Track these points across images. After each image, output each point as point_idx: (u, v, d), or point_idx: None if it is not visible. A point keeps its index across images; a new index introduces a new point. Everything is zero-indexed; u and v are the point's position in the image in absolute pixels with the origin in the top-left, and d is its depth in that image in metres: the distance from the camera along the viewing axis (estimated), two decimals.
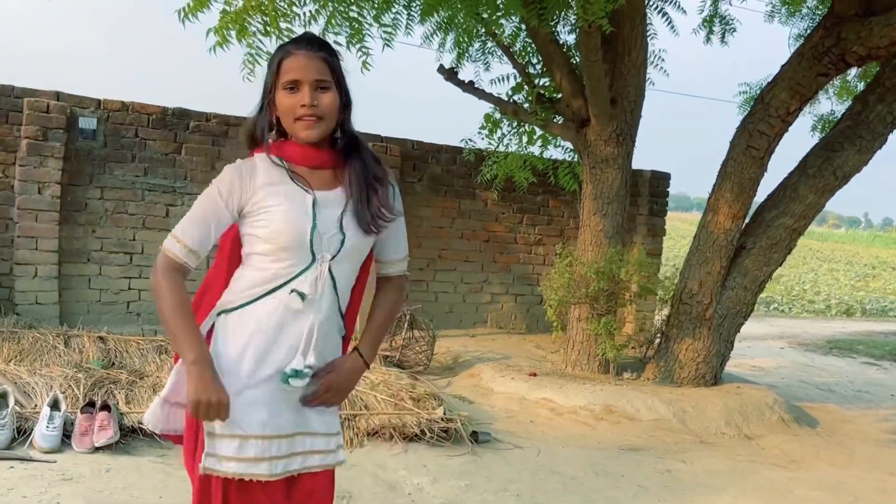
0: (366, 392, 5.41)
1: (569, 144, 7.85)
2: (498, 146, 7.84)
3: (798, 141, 7.57)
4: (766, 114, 6.43)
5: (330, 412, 2.22)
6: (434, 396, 5.55)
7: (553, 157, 8.49)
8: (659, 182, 9.49)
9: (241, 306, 2.09)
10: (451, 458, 4.84)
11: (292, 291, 2.06)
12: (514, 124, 7.72)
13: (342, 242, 2.10)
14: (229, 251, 2.19)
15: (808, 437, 6.24)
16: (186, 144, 7.51)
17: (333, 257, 2.09)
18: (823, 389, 8.48)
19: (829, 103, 10.20)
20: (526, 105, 7.32)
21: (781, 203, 6.72)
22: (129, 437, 4.53)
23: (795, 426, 6.39)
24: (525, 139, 7.85)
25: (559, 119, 7.19)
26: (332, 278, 2.11)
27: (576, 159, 8.15)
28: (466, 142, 7.91)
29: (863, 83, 9.49)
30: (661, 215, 9.52)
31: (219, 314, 2.12)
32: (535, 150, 8.10)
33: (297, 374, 2.06)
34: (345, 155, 2.17)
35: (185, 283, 2.08)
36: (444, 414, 5.21)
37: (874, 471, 5.56)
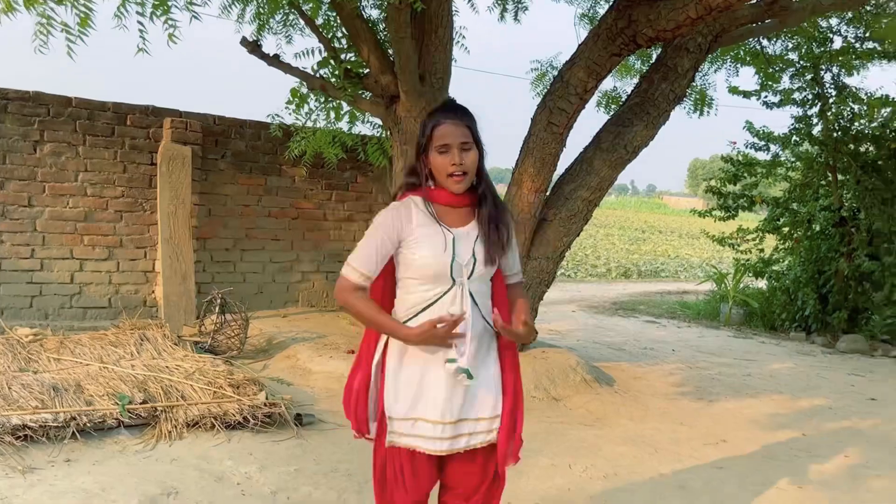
0: (181, 382, 5.12)
1: (378, 120, 7.78)
2: (306, 122, 7.62)
3: (585, 117, 7.89)
4: (566, 91, 6.65)
5: (492, 398, 2.72)
6: (253, 381, 5.35)
7: (362, 133, 8.40)
8: None
9: (406, 321, 2.63)
10: (277, 444, 4.70)
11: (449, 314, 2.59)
12: (322, 99, 7.52)
13: (474, 266, 2.65)
14: (382, 279, 2.71)
15: (608, 395, 6.61)
16: None
17: (469, 277, 2.64)
18: (615, 349, 9.03)
19: (612, 81, 10.83)
20: (333, 80, 7.15)
21: (579, 176, 6.99)
22: None
23: (596, 385, 6.74)
24: (333, 115, 7.68)
25: (367, 95, 7.10)
26: (471, 295, 2.65)
27: (385, 135, 8.11)
28: (273, 117, 7.63)
29: (640, 61, 10.11)
30: None
31: None
32: (343, 125, 7.96)
33: (464, 370, 2.60)
34: (480, 195, 2.71)
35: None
36: (267, 398, 5.04)
37: (667, 422, 6.00)
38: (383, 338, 2.70)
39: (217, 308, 6.88)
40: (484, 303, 2.71)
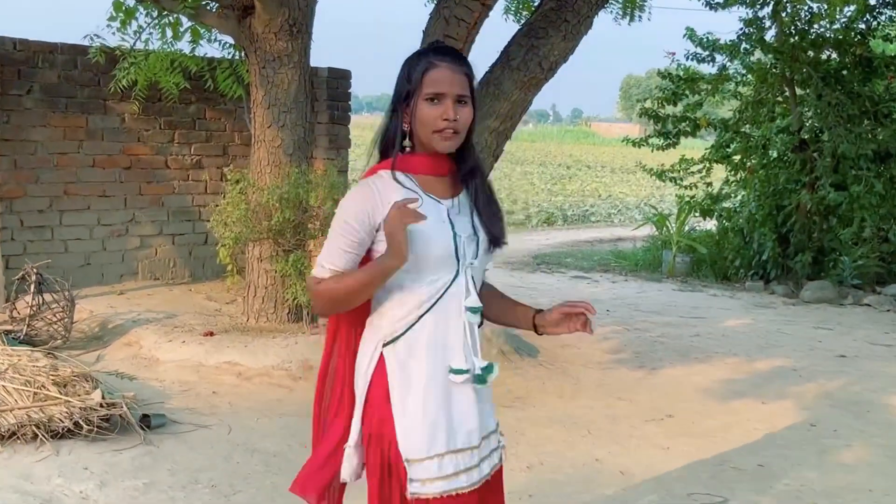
0: None
1: (229, 38, 7.66)
2: (135, 43, 7.44)
3: (490, 28, 7.92)
4: None
5: (491, 404, 2.70)
6: (85, 377, 5.27)
7: (209, 56, 8.25)
8: (339, 82, 9.57)
9: (405, 333, 2.52)
10: (121, 454, 4.65)
11: (467, 310, 2.53)
12: (155, 14, 7.35)
13: (478, 244, 2.56)
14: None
15: (530, 368, 6.80)
16: None
17: (475, 258, 2.54)
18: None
19: None
20: None
21: (485, 102, 7.03)
22: None
23: (517, 358, 6.92)
24: (170, 33, 7.52)
25: (214, 6, 6.97)
26: (474, 282, 2.57)
27: (239, 57, 7.98)
28: (91, 38, 7.42)
29: None
30: (344, 122, 9.62)
31: (384, 346, 2.54)
32: (184, 46, 7.81)
33: (489, 369, 2.55)
34: (457, 161, 2.63)
35: None
36: (103, 398, 4.97)
37: (602, 397, 6.22)
38: (370, 359, 2.57)
39: (32, 286, 6.70)
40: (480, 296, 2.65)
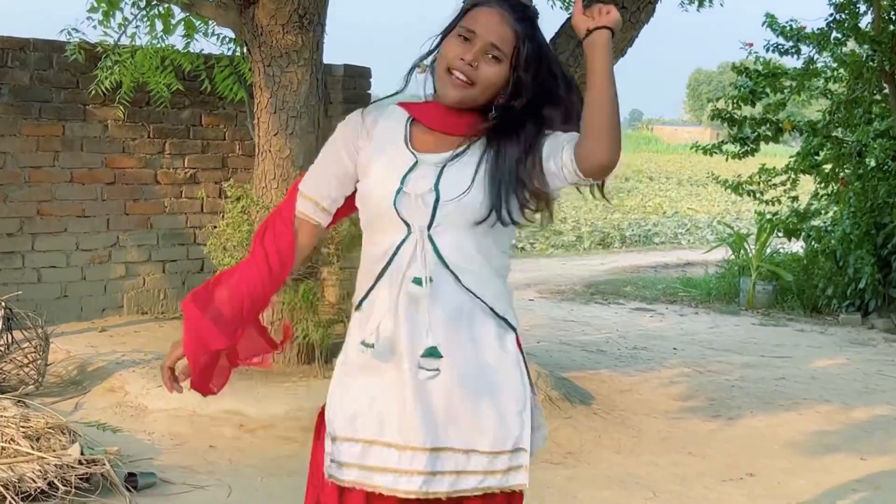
0: None
1: (229, 32, 7.71)
2: (120, 38, 7.52)
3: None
4: None
5: (499, 426, 2.54)
6: (61, 429, 5.28)
7: (205, 52, 8.30)
8: (357, 82, 9.60)
9: (364, 298, 2.57)
10: None
11: (412, 279, 2.48)
12: (143, 4, 7.42)
13: (436, 204, 2.48)
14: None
15: (583, 418, 6.75)
16: None
17: (429, 226, 2.49)
18: (592, 351, 9.19)
19: None
20: None
21: None
22: None
23: (567, 405, 6.86)
24: (160, 26, 7.58)
25: None
26: (437, 252, 2.50)
27: (241, 53, 8.03)
28: (69, 33, 7.49)
29: None
30: None
31: (354, 310, 2.61)
32: (176, 41, 7.88)
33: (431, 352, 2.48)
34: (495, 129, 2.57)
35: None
36: (83, 453, 4.99)
37: (669, 452, 6.17)
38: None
39: (0, 322, 6.75)
40: (467, 266, 2.54)
